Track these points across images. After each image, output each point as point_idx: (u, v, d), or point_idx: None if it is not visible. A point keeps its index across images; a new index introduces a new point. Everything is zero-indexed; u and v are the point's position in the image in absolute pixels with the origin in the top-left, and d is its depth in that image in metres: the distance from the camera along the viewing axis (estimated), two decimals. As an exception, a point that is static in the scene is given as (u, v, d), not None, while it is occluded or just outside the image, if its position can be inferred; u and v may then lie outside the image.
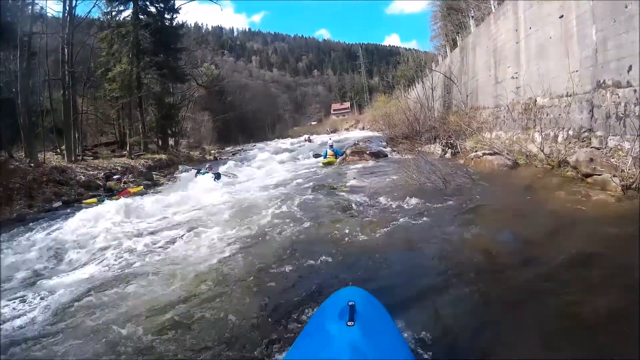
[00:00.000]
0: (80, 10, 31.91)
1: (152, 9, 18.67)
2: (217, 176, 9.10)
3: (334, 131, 46.67)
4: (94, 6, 15.63)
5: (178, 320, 2.38)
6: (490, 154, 6.36)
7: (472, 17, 10.90)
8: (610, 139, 4.22)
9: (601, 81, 4.42)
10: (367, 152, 10.48)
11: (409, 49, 31.64)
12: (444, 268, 2.77)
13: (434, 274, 2.71)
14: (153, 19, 18.15)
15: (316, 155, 12.99)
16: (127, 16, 17.47)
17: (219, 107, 39.01)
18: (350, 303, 1.40)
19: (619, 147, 4.04)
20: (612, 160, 3.97)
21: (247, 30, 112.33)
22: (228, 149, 31.28)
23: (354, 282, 2.54)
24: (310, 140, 25.76)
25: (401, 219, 3.92)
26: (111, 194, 8.85)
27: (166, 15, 19.22)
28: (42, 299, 2.95)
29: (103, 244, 4.28)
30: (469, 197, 4.47)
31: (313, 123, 68.00)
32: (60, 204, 7.98)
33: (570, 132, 5.07)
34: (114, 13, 17.30)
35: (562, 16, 5.30)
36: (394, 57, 51.70)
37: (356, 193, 5.41)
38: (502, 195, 4.62)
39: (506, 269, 2.64)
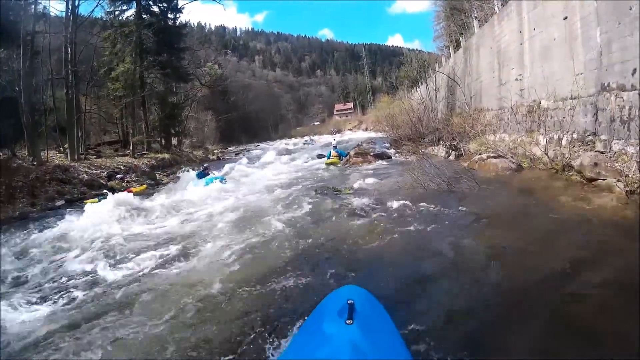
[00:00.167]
0: (83, 10, 32.35)
1: (155, 9, 18.75)
2: (222, 179, 8.84)
3: (338, 131, 46.67)
4: (97, 5, 15.68)
5: (174, 317, 2.39)
6: (494, 157, 6.32)
7: (476, 17, 10.87)
8: (614, 143, 4.18)
9: (605, 84, 4.37)
10: (371, 154, 10.42)
11: (412, 50, 31.51)
12: (444, 268, 2.78)
13: (434, 274, 2.71)
14: (156, 19, 18.22)
15: (320, 156, 12.96)
16: (130, 15, 17.56)
17: (222, 107, 39.18)
18: (349, 301, 1.41)
19: (623, 151, 4.00)
20: (617, 164, 3.93)
21: (250, 30, 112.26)
22: (231, 148, 31.44)
23: (354, 281, 2.55)
24: (311, 142, 25.74)
25: (404, 222, 3.91)
26: (114, 193, 8.80)
27: (169, 15, 19.32)
28: (42, 299, 2.96)
29: (103, 244, 4.27)
30: (474, 201, 4.46)
31: (316, 123, 68.11)
32: (63, 202, 8.02)
33: (575, 136, 5.03)
34: (117, 12, 17.40)
35: (566, 17, 5.25)
36: (397, 57, 51.41)
37: (360, 195, 5.40)
38: (506, 199, 4.60)
39: (507, 270, 2.64)
